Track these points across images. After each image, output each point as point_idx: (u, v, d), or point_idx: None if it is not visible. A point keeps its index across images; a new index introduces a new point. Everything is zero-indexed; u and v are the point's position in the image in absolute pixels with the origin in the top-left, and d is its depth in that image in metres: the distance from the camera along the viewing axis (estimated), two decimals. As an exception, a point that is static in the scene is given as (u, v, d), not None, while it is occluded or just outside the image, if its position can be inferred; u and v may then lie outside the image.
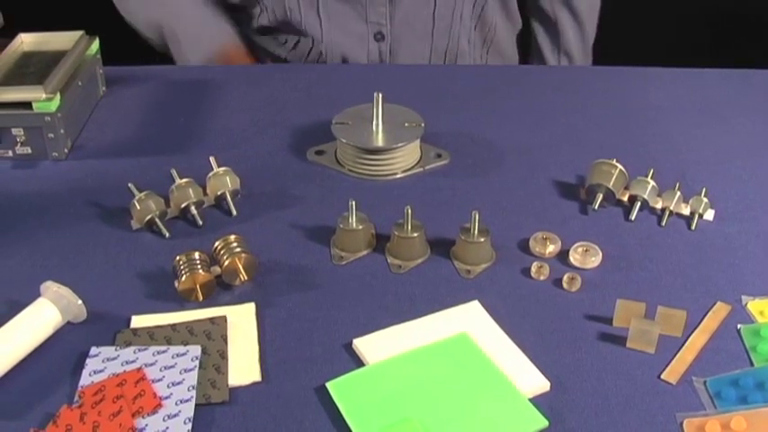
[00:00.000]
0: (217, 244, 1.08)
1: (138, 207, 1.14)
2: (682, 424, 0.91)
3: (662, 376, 0.96)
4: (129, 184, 1.16)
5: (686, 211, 1.20)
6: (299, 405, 0.92)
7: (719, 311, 1.05)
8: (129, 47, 1.77)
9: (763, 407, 0.91)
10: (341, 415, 0.90)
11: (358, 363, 0.97)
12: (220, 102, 1.46)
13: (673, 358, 0.98)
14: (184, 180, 1.17)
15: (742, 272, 1.11)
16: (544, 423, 0.90)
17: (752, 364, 0.98)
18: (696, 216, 1.19)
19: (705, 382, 0.96)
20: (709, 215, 1.20)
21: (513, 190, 1.25)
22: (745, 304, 1.06)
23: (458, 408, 0.91)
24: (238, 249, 1.07)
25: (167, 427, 0.88)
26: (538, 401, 0.92)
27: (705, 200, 1.20)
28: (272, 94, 1.49)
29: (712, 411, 0.92)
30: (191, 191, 1.17)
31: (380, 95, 1.27)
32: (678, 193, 1.20)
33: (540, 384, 0.94)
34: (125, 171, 1.26)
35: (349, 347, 0.98)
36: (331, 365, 0.96)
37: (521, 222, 1.17)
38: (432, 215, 1.14)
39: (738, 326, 1.03)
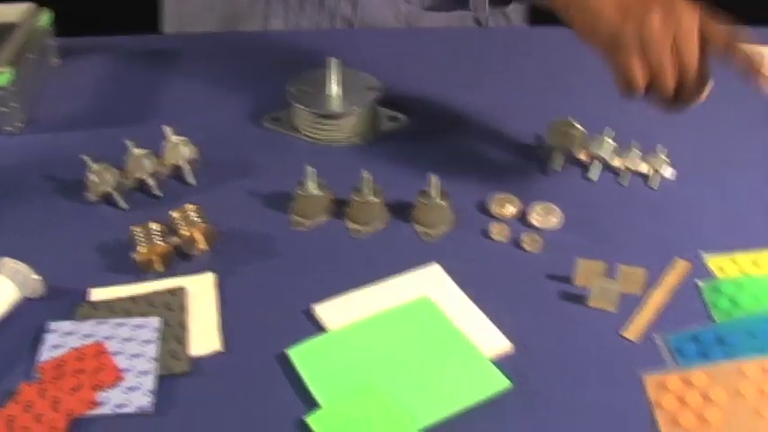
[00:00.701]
0: (174, 214, 1.07)
1: (94, 179, 1.12)
2: (643, 380, 0.92)
3: (623, 334, 0.96)
4: (84, 157, 1.14)
5: (645, 169, 1.20)
6: (261, 373, 0.92)
7: (679, 268, 1.05)
8: (81, 18, 1.74)
9: (724, 362, 0.92)
10: (303, 382, 0.90)
11: (319, 329, 0.96)
12: (175, 71, 1.45)
13: (634, 316, 0.99)
14: (140, 151, 1.16)
15: (701, 228, 1.11)
16: (507, 384, 0.90)
17: (712, 320, 0.99)
18: (655, 174, 1.19)
19: (666, 339, 0.96)
20: (669, 172, 1.20)
21: (471, 152, 1.25)
22: (705, 260, 1.06)
23: (420, 371, 0.91)
24: (196, 219, 1.06)
25: (129, 400, 0.88)
26: (500, 363, 0.92)
27: (664, 157, 1.20)
28: (228, 62, 1.48)
29: (674, 367, 0.93)
30: (147, 162, 1.15)
31: (334, 60, 1.26)
32: (637, 151, 1.20)
33: (502, 345, 0.94)
34: (80, 143, 1.24)
35: (309, 314, 0.98)
36: (292, 332, 0.95)
37: (480, 184, 1.17)
38: (391, 179, 1.14)
39: (698, 282, 1.03)
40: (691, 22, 1.01)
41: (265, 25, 1.57)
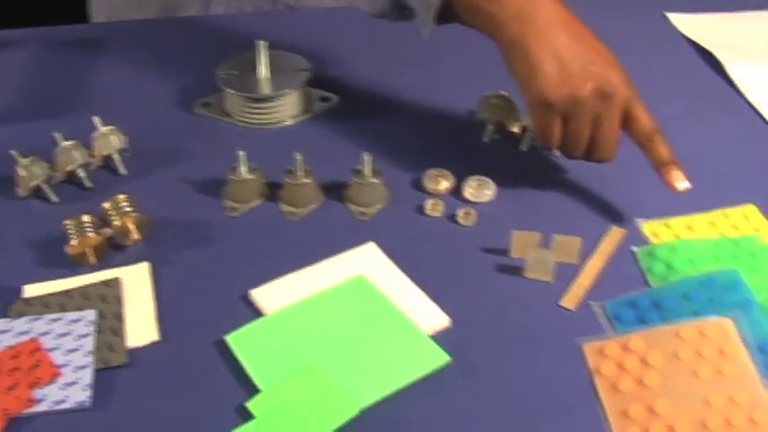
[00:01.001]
0: (106, 205, 1.06)
1: (23, 174, 1.10)
2: (582, 348, 0.92)
3: (561, 303, 0.97)
4: (12, 152, 1.12)
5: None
6: (200, 361, 0.91)
7: (614, 235, 1.06)
8: (6, 10, 1.71)
9: (661, 325, 0.93)
10: (242, 367, 0.90)
11: (257, 314, 0.96)
12: (102, 61, 1.42)
13: (571, 285, 0.99)
14: (69, 142, 1.14)
15: (635, 195, 1.12)
16: (446, 359, 0.90)
17: (648, 285, 1.00)
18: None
19: (603, 306, 0.97)
20: (601, 140, 1.21)
21: (404, 129, 1.25)
22: (639, 227, 1.07)
23: (359, 351, 0.91)
24: (128, 209, 1.05)
25: (67, 396, 0.87)
26: (439, 338, 0.92)
27: (596, 125, 1.20)
28: (155, 49, 1.45)
29: (611, 334, 0.93)
30: (77, 153, 1.13)
31: (262, 43, 1.24)
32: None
33: (441, 321, 0.94)
34: (6, 138, 1.21)
35: (246, 299, 0.97)
36: (230, 319, 0.94)
37: (413, 161, 1.16)
38: (323, 160, 1.13)
39: (633, 248, 1.04)
40: (619, 102, 1.04)
41: (207, 11, 1.56)
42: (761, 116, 1.27)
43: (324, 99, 1.30)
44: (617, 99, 1.04)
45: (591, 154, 1.09)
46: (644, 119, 1.06)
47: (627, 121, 1.06)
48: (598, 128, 1.05)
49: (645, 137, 1.06)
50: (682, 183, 1.05)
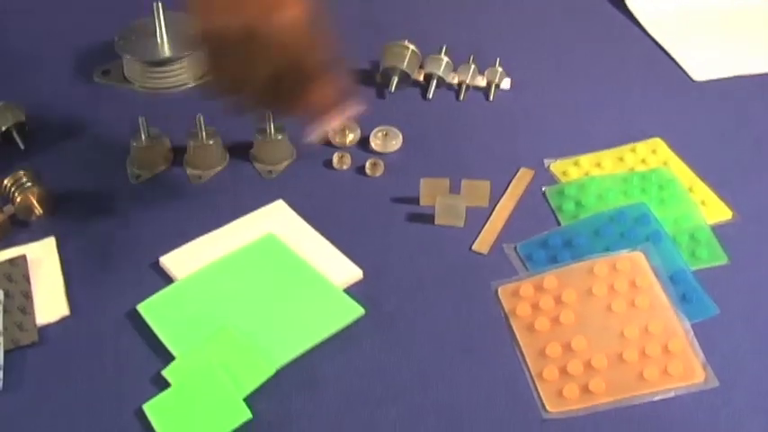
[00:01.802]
0: (6, 182, 1.03)
1: None
2: (497, 291, 0.92)
3: (473, 248, 0.97)
4: None
5: (483, 83, 1.20)
6: (113, 333, 0.90)
7: (523, 177, 1.06)
8: None
9: (572, 263, 0.94)
10: (156, 336, 0.88)
11: (168, 281, 0.94)
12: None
13: (482, 229, 0.99)
14: (-36, 121, 1.11)
15: (542, 136, 1.13)
16: (360, 311, 0.90)
17: (559, 224, 1.00)
18: (493, 87, 1.19)
19: (516, 248, 0.97)
20: (506, 84, 1.20)
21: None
22: (548, 166, 1.07)
23: (273, 309, 0.91)
24: (29, 184, 1.02)
25: (-23, 380, 0.85)
26: (352, 291, 0.92)
27: (500, 70, 1.20)
28: (48, 20, 1.41)
29: (525, 275, 0.94)
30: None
31: (159, 4, 1.21)
32: (473, 66, 1.20)
33: (353, 274, 0.94)
34: None
35: (157, 267, 0.96)
36: (141, 288, 0.93)
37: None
38: (227, 121, 1.10)
39: (543, 188, 1.04)
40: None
41: None
42: (665, 52, 1.28)
43: (226, 59, 1.28)
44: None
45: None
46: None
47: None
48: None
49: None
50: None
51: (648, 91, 1.21)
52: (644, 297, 0.89)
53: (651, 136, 1.11)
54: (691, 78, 1.23)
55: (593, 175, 1.05)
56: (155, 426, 0.80)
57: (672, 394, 0.82)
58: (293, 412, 0.82)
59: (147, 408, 0.82)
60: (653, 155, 1.08)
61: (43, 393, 0.85)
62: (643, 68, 1.25)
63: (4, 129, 1.12)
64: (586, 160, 1.07)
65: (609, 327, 0.87)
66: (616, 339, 0.86)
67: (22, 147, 1.13)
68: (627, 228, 0.97)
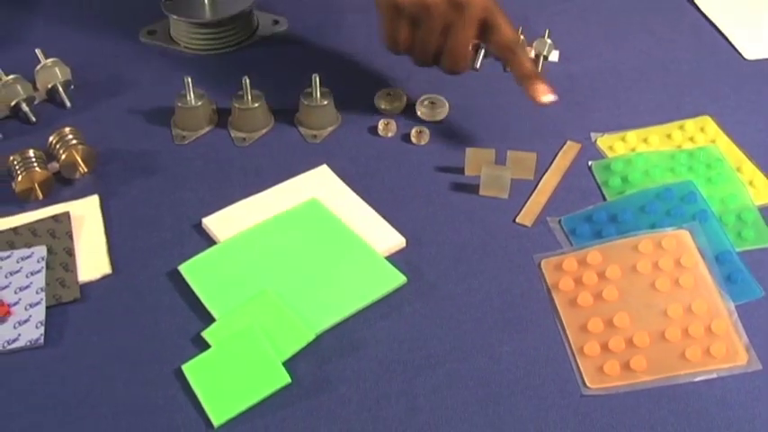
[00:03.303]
0: (51, 139, 1.03)
1: (-35, 110, 1.08)
2: (540, 264, 0.92)
3: (517, 220, 0.96)
4: (-47, 88, 1.10)
5: (531, 54, 1.19)
6: (153, 292, 0.90)
7: (570, 150, 1.05)
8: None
9: (617, 239, 0.92)
10: (196, 297, 0.88)
11: (210, 243, 0.94)
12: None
13: (526, 201, 0.98)
14: (11, 77, 1.11)
15: (589, 110, 1.11)
16: (402, 279, 0.89)
17: (604, 199, 0.99)
18: (541, 58, 1.18)
19: (560, 221, 0.96)
20: (554, 56, 1.19)
21: (353, 50, 1.23)
22: (595, 141, 1.06)
23: (315, 274, 0.90)
24: (74, 141, 1.02)
25: (19, 334, 0.85)
26: (395, 259, 0.91)
27: (549, 41, 1.19)
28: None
29: (568, 249, 0.93)
30: (19, 87, 1.10)
31: (206, -35, 1.22)
32: (521, 37, 1.19)
33: (396, 242, 0.93)
34: (-54, 74, 1.18)
35: (199, 228, 0.96)
36: (182, 248, 0.93)
37: (364, 82, 1.14)
38: (273, 84, 1.11)
39: (589, 162, 1.03)
40: (473, 13, 0.99)
41: None
42: (716, 28, 1.26)
43: (273, 22, 1.28)
44: (471, 9, 0.98)
45: (440, 63, 1.04)
46: (504, 30, 1.01)
47: (486, 33, 1.01)
48: (449, 37, 1.01)
49: (505, 48, 1.02)
50: (546, 96, 1.02)
51: (698, 68, 1.19)
52: (688, 276, 0.88)
53: (700, 114, 1.10)
54: (742, 56, 1.21)
55: (640, 150, 1.04)
56: (193, 386, 0.81)
57: (713, 375, 0.81)
58: (332, 377, 0.82)
59: (186, 368, 0.82)
60: (701, 133, 1.07)
61: (83, 350, 0.85)
62: (694, 45, 1.24)
63: (50, 86, 1.13)
64: (633, 136, 1.06)
65: (652, 304, 0.86)
66: (659, 317, 0.85)
67: (68, 104, 1.13)
68: (673, 205, 0.96)
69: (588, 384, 0.81)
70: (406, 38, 1.02)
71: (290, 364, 0.82)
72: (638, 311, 0.86)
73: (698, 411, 0.79)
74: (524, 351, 0.84)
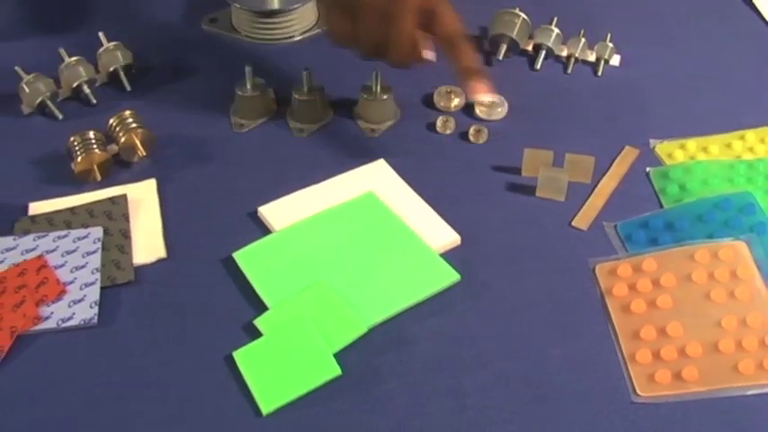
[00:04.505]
0: (111, 121, 1.04)
1: (28, 90, 1.09)
2: (594, 269, 0.91)
3: (572, 223, 0.96)
4: (16, 68, 1.10)
5: (592, 57, 1.18)
6: (207, 278, 0.90)
7: (628, 156, 1.04)
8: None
9: (673, 247, 0.92)
10: (250, 284, 0.89)
11: (265, 231, 0.95)
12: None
13: (583, 205, 0.98)
14: (74, 58, 1.12)
15: (649, 115, 1.10)
16: (456, 277, 0.89)
17: (661, 206, 0.98)
18: (602, 62, 1.17)
19: (616, 227, 0.95)
20: (615, 60, 1.18)
21: (415, 45, 1.22)
22: (653, 147, 1.05)
23: (369, 268, 0.90)
24: (134, 125, 1.03)
25: (73, 313, 0.86)
26: (449, 256, 0.91)
27: (610, 45, 1.18)
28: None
29: (623, 255, 0.92)
30: (81, 69, 1.12)
31: (269, -44, 1.22)
32: (583, 40, 1.18)
33: (451, 239, 0.93)
34: (10, 54, 1.18)
35: (254, 216, 0.96)
36: (237, 236, 0.94)
37: (424, 77, 1.13)
38: (332, 76, 1.11)
39: (647, 169, 1.02)
40: (411, 2, 0.94)
41: None
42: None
43: (334, 14, 1.28)
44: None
45: (384, 55, 0.98)
46: (447, 21, 0.96)
47: (429, 23, 0.96)
48: (389, 28, 0.95)
49: (446, 40, 0.97)
50: (483, 94, 0.98)
51: (762, 78, 1.17)
52: (744, 288, 0.87)
53: (761, 124, 1.08)
54: (807, 68, 1.20)
55: (699, 159, 1.03)
56: (243, 373, 0.81)
57: (766, 390, 0.80)
58: (382, 371, 0.82)
59: (237, 355, 0.83)
60: (761, 144, 1.05)
61: (135, 332, 0.86)
62: (757, 54, 1.22)
63: (111, 69, 1.14)
64: (693, 144, 1.05)
65: (706, 315, 0.86)
66: (712, 328, 0.84)
67: (128, 88, 1.14)
68: (731, 216, 0.95)
69: (638, 392, 0.80)
70: (347, 30, 0.97)
71: (340, 356, 0.82)
72: (692, 321, 0.85)
73: (749, 425, 0.78)
74: (575, 355, 0.83)
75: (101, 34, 1.15)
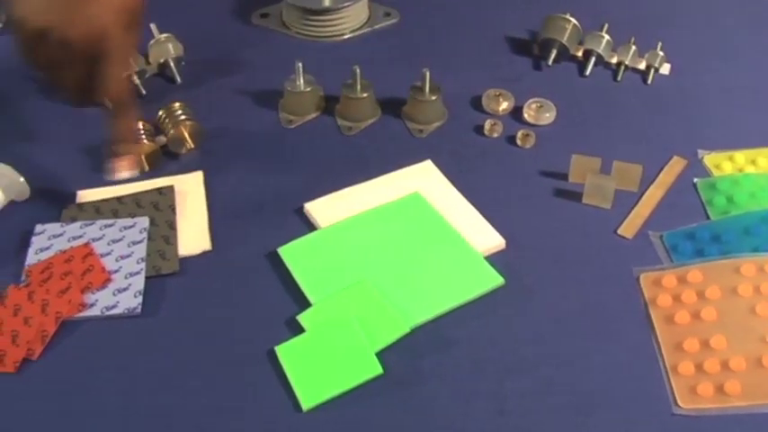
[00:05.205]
0: (161, 113, 1.05)
1: (79, 79, 1.10)
2: (638, 278, 0.91)
3: (618, 231, 0.95)
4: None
5: (642, 65, 1.18)
6: (251, 272, 0.91)
7: (676, 165, 1.03)
8: None
9: (719, 259, 0.91)
10: (294, 280, 0.89)
11: (310, 227, 0.95)
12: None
13: (629, 213, 0.97)
14: (126, 49, 1.13)
15: (698, 126, 1.10)
16: (500, 280, 0.89)
17: (708, 218, 0.98)
18: (652, 70, 1.17)
19: (661, 236, 0.95)
20: (665, 69, 1.18)
21: (464, 47, 1.22)
22: (702, 158, 1.05)
23: (413, 268, 0.90)
24: (183, 117, 1.04)
25: (118, 301, 0.87)
26: (493, 259, 0.91)
27: (661, 53, 1.17)
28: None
29: (669, 265, 0.92)
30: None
31: (324, -46, 1.22)
32: (633, 48, 1.17)
33: (496, 242, 0.93)
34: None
35: (300, 212, 0.97)
36: (282, 231, 0.94)
37: (473, 80, 1.14)
38: (382, 75, 1.11)
39: (695, 180, 1.02)
40: (77, 49, 0.85)
41: None
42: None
43: (386, 14, 1.28)
44: (75, 46, 0.84)
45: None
46: (109, 81, 0.88)
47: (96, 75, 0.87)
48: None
49: (113, 101, 0.90)
50: (119, 173, 0.93)
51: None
52: (790, 303, 0.86)
53: (812, 139, 1.08)
54: None
55: (748, 172, 1.02)
56: (285, 368, 0.81)
57: (810, 407, 0.80)
58: (424, 372, 0.82)
59: (280, 350, 0.83)
60: (811, 158, 1.05)
61: (179, 322, 0.86)
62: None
63: (162, 61, 1.15)
64: (741, 156, 1.04)
65: (751, 329, 0.85)
66: (757, 343, 0.84)
67: (178, 80, 1.15)
68: (778, 230, 0.94)
69: (680, 403, 0.80)
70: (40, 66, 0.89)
71: (382, 355, 0.82)
72: (736, 335, 0.84)
73: (791, 442, 0.77)
74: (617, 363, 0.83)
75: (152, 26, 1.16)
